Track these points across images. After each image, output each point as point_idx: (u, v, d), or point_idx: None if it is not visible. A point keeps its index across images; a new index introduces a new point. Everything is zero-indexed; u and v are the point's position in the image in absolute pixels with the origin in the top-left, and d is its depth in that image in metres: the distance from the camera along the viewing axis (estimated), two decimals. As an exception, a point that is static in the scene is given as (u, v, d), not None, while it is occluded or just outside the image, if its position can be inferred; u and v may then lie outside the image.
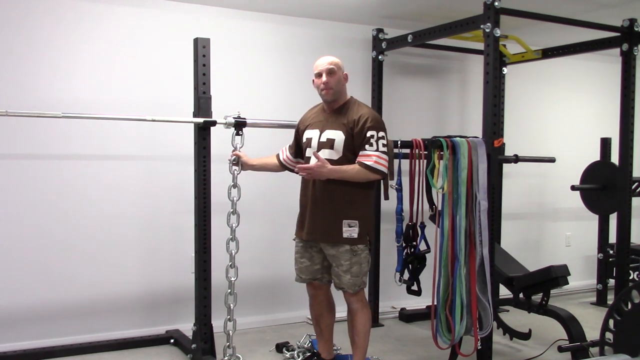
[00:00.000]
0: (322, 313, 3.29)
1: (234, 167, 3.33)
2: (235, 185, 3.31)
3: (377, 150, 2.97)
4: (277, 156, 3.41)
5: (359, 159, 2.98)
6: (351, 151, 3.02)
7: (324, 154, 3.02)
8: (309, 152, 3.14)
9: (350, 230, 3.01)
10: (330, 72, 3.06)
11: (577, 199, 4.98)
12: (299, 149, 3.32)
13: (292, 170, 3.36)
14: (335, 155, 3.02)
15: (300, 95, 4.26)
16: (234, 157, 3.34)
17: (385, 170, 3.00)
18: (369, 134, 2.97)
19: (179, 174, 3.89)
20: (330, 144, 3.04)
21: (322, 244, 3.10)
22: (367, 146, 2.97)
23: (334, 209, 3.02)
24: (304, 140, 3.21)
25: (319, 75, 3.09)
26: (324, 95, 3.10)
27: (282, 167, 3.41)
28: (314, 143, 3.11)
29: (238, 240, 3.36)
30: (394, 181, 3.32)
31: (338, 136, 3.04)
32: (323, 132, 3.10)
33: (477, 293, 3.18)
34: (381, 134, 3.01)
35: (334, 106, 3.13)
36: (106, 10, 3.75)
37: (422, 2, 4.02)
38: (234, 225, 3.36)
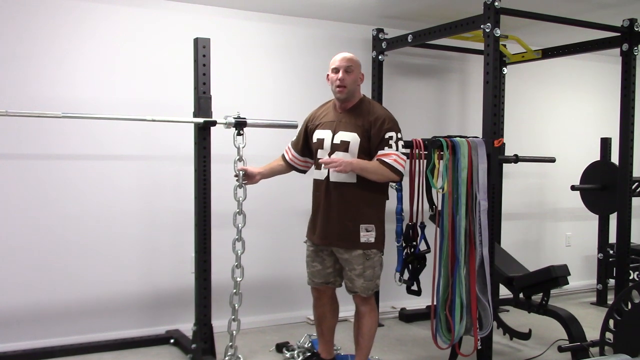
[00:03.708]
0: (325, 315, 3.26)
1: (243, 181, 3.24)
2: (241, 186, 3.27)
3: (396, 150, 2.94)
4: (283, 157, 3.33)
5: (378, 157, 2.93)
6: (366, 153, 2.96)
7: (338, 156, 2.95)
8: (320, 154, 3.06)
9: (368, 235, 2.97)
10: (347, 70, 2.99)
11: (577, 199, 4.99)
12: (306, 146, 3.23)
13: (299, 170, 3.32)
14: (349, 158, 2.95)
15: (300, 94, 4.27)
16: (241, 171, 3.23)
17: (403, 170, 2.96)
18: (387, 135, 2.94)
19: (179, 174, 3.89)
20: (344, 146, 2.97)
21: (334, 248, 3.05)
22: (386, 147, 2.93)
23: (351, 213, 2.96)
24: (315, 140, 3.12)
25: (335, 70, 3.01)
26: (336, 93, 3.03)
27: (289, 167, 3.31)
28: (327, 145, 3.03)
29: (244, 241, 3.34)
30: (394, 181, 3.32)
31: (353, 138, 2.97)
32: (336, 133, 3.02)
33: (477, 293, 3.18)
34: (399, 135, 2.98)
35: (347, 106, 3.06)
36: (106, 11, 3.75)
37: (422, 2, 4.01)
38: (240, 225, 3.32)
